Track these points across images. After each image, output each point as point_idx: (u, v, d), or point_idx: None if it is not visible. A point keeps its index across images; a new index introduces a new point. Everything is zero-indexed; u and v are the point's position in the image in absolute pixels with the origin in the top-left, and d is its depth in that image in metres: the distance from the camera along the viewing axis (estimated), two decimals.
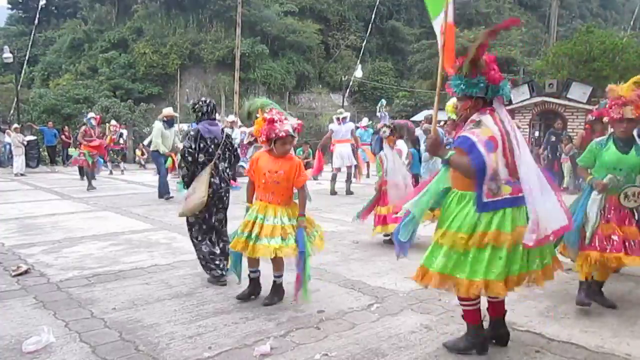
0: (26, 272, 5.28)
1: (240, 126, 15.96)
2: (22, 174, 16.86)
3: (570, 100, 14.71)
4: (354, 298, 4.59)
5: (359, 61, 33.07)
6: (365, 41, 34.38)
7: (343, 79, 33.51)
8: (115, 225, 8.03)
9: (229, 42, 33.85)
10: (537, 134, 16.10)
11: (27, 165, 18.50)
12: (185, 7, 36.48)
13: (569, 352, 3.48)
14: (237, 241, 4.22)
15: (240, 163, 16.18)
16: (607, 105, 4.23)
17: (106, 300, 4.48)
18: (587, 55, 20.28)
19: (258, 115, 4.28)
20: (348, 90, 33.60)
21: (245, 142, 14.45)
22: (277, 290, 4.42)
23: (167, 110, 10.84)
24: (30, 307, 4.31)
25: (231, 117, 15.32)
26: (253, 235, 4.16)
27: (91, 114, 13.40)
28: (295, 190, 4.34)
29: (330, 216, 8.74)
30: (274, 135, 4.11)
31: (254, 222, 4.20)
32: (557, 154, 13.28)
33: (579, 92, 14.46)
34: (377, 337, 3.72)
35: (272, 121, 4.11)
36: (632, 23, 38.29)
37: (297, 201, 4.35)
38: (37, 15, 32.91)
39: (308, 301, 4.28)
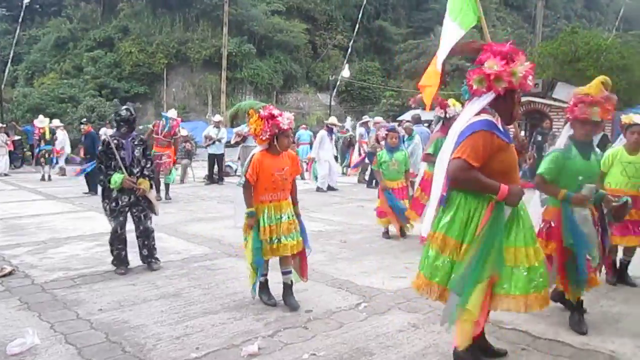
0: (10, 273, 5.21)
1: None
2: (5, 174, 16.64)
3: (555, 100, 14.86)
4: (341, 297, 4.59)
5: (346, 61, 33.14)
6: (352, 41, 34.45)
7: (330, 78, 33.51)
8: (101, 225, 7.91)
9: (215, 41, 33.74)
10: (522, 133, 16.25)
11: (11, 165, 18.26)
12: (172, 5, 36.26)
13: (555, 350, 3.51)
14: (272, 248, 4.20)
15: (227, 163, 16.14)
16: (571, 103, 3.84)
17: (92, 302, 4.44)
18: (572, 56, 20.48)
19: (248, 116, 4.26)
20: (335, 90, 33.62)
21: (232, 141, 14.40)
22: (291, 289, 4.38)
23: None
24: (15, 309, 4.25)
25: (217, 117, 15.26)
26: (279, 237, 4.18)
27: (172, 112, 11.40)
28: None
29: (318, 215, 8.74)
30: (277, 130, 4.09)
31: (276, 225, 4.19)
32: (543, 154, 13.41)
33: (564, 92, 14.63)
34: (364, 336, 3.73)
35: (272, 116, 4.09)
36: (616, 24, 38.76)
37: None
38: (22, 14, 32.53)
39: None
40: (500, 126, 2.94)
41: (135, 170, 5.40)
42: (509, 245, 2.94)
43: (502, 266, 2.91)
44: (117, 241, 5.40)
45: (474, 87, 2.94)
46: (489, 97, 2.93)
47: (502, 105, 2.97)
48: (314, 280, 5.01)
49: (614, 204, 3.98)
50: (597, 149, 4.01)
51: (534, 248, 2.99)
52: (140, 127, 24.02)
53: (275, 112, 4.13)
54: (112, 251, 5.45)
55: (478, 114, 2.96)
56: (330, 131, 13.48)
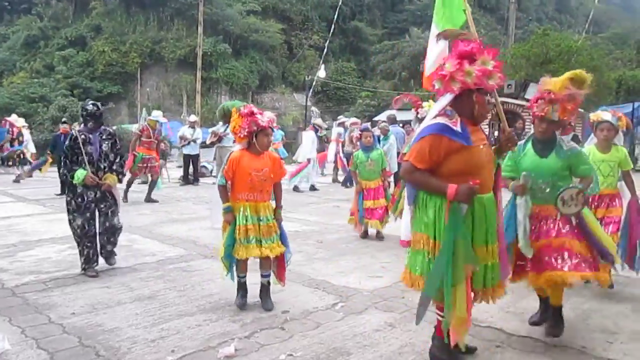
0: None
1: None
2: None
3: (527, 100, 15.10)
4: (318, 297, 4.59)
5: (322, 61, 33.16)
6: (328, 41, 34.51)
7: (306, 78, 33.53)
8: None
9: (190, 40, 33.51)
10: (496, 133, 16.48)
11: None
12: (146, 4, 35.88)
13: (528, 347, 3.57)
14: (247, 248, 4.12)
15: (203, 164, 16.01)
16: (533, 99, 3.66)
17: (65, 305, 4.35)
18: (544, 57, 20.90)
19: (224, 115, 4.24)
20: (311, 90, 33.64)
21: (207, 142, 14.33)
22: (269, 290, 4.36)
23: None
24: None
25: (193, 117, 15.16)
26: (259, 238, 4.14)
27: (157, 112, 11.58)
28: None
29: (294, 216, 8.73)
30: (255, 128, 4.04)
31: (253, 225, 4.13)
32: None
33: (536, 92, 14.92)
34: (341, 336, 3.73)
35: (251, 113, 4.05)
36: (585, 26, 39.58)
37: None
38: None
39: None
40: (457, 128, 2.98)
41: (102, 165, 5.33)
42: (476, 244, 3.03)
43: (476, 260, 2.97)
44: (86, 238, 5.27)
45: (436, 87, 3.02)
46: (448, 97, 3.01)
47: (461, 105, 3.03)
48: (290, 281, 5.00)
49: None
50: (571, 145, 3.65)
51: (493, 246, 3.11)
52: (114, 127, 23.76)
53: (255, 109, 4.11)
54: (81, 251, 5.32)
55: (436, 116, 3.05)
56: (316, 131, 14.16)
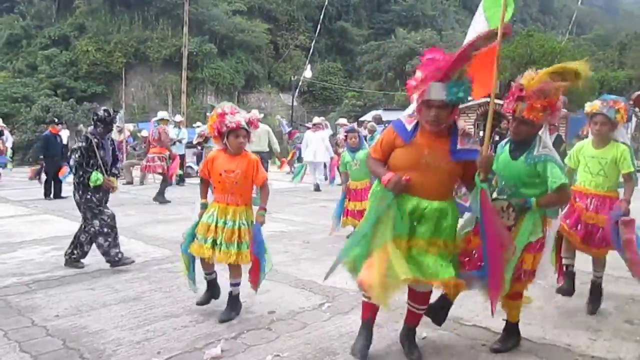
0: None
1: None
2: None
3: None
4: (305, 298, 4.59)
5: (308, 61, 33.23)
6: (314, 41, 34.56)
7: (292, 79, 33.54)
8: (57, 229, 7.73)
9: (176, 40, 33.39)
10: (481, 133, 16.61)
11: None
12: (130, 3, 35.66)
13: None
14: (200, 247, 3.96)
15: (189, 164, 15.94)
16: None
17: (48, 307, 4.30)
18: (528, 58, 21.12)
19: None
20: (297, 90, 33.66)
21: (194, 142, 14.29)
22: (235, 303, 4.14)
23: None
24: None
25: (178, 117, 15.10)
26: (217, 241, 3.94)
27: (163, 113, 12.11)
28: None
29: (280, 216, 8.72)
30: (224, 128, 3.91)
31: (215, 227, 3.96)
32: None
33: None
34: (328, 336, 3.74)
35: (222, 114, 3.95)
36: (569, 28, 40.11)
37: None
38: None
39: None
40: (408, 127, 3.19)
41: (107, 169, 5.52)
42: (417, 237, 3.16)
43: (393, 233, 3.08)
44: (116, 227, 5.47)
45: None
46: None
47: None
48: (276, 281, 5.00)
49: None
50: (544, 152, 3.22)
51: (444, 242, 3.19)
52: None
53: (227, 109, 3.97)
54: (112, 241, 5.40)
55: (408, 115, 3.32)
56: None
